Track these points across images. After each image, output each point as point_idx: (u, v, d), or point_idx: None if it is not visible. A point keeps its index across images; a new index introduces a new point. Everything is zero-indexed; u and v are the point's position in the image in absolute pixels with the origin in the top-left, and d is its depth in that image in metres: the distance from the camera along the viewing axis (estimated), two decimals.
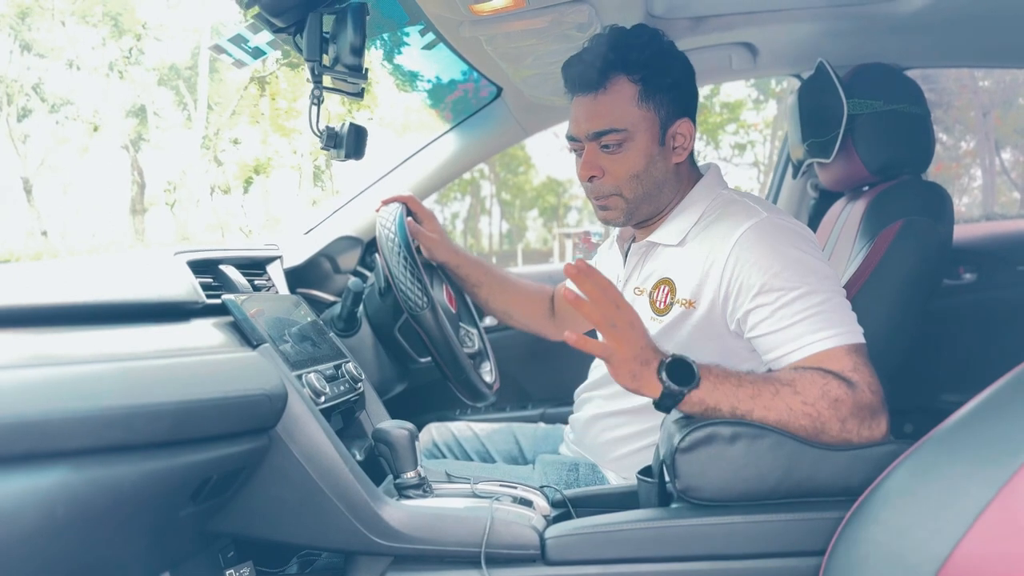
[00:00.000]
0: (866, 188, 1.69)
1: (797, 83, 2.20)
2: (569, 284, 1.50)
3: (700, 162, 1.42)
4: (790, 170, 2.42)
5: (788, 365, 1.12)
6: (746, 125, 18.74)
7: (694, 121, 1.34)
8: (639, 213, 1.35)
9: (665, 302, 1.30)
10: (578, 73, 1.30)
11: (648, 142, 1.29)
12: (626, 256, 1.44)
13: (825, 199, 2.20)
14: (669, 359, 1.05)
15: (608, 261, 1.55)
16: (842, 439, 1.06)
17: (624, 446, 1.41)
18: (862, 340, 1.13)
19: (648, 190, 1.32)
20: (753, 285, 1.16)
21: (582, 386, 1.56)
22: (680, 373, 1.05)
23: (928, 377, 1.99)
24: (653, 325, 1.30)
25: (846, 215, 1.70)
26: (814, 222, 2.09)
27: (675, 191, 1.35)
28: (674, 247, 1.32)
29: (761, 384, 1.07)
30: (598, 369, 1.52)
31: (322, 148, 1.41)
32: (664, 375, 1.04)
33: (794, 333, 1.12)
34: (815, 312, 1.12)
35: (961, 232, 1.76)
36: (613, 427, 1.42)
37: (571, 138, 1.35)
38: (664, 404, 1.06)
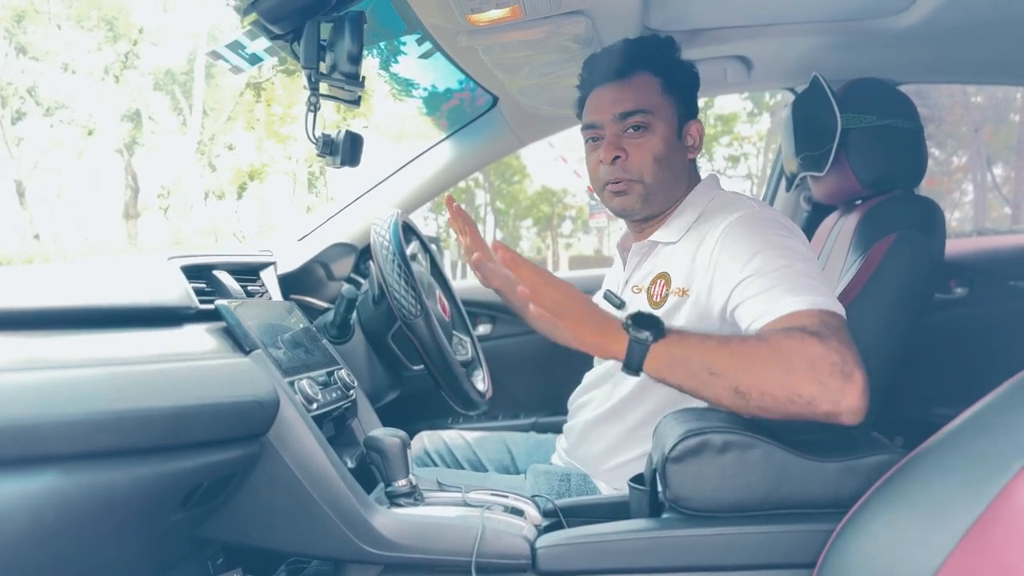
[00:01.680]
0: (859, 202, 1.69)
1: (791, 97, 2.21)
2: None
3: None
4: (783, 183, 2.43)
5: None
6: (740, 138, 18.82)
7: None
8: (654, 202, 1.38)
9: (661, 295, 1.32)
10: (605, 64, 1.39)
11: (668, 130, 1.36)
12: (626, 260, 1.47)
13: (818, 212, 2.21)
14: (634, 314, 1.06)
15: (609, 273, 1.59)
16: (816, 391, 0.98)
17: (617, 456, 1.40)
18: (836, 310, 1.09)
19: (667, 177, 1.36)
20: (737, 264, 1.17)
21: (576, 391, 1.56)
22: (644, 325, 1.05)
23: (919, 390, 2.00)
24: None
25: (839, 228, 1.71)
26: (807, 235, 2.09)
27: (683, 188, 1.40)
28: (672, 244, 1.35)
29: (727, 336, 1.07)
30: (593, 372, 1.52)
31: (318, 155, 1.41)
32: (630, 324, 1.04)
33: (768, 298, 1.11)
34: (791, 280, 1.11)
35: (953, 246, 1.77)
36: (607, 434, 1.41)
37: (591, 126, 1.39)
38: (631, 357, 1.04)
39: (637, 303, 1.37)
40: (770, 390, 1.00)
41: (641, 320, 1.05)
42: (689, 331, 1.07)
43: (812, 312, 1.07)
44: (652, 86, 1.36)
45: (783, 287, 1.11)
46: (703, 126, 1.42)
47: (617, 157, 1.35)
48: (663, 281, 1.33)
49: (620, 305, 1.42)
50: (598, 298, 1.50)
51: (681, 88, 1.39)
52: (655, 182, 1.36)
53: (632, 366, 1.05)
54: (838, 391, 0.98)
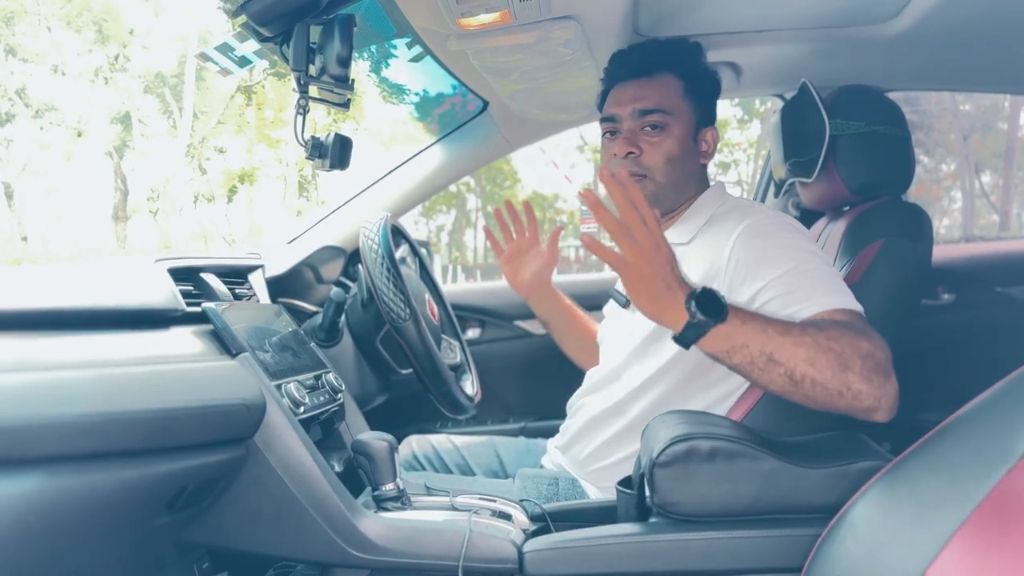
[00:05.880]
0: (847, 208, 1.70)
1: (780, 103, 2.22)
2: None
3: None
4: (772, 189, 2.44)
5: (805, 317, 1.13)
6: (731, 144, 18.88)
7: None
8: (662, 200, 1.40)
9: None
10: (631, 60, 1.43)
11: (684, 132, 1.39)
12: None
13: (806, 218, 2.21)
14: (700, 290, 1.03)
15: None
16: (866, 388, 1.02)
17: (610, 455, 1.40)
18: (864, 313, 1.15)
19: (677, 179, 1.39)
20: (764, 262, 1.19)
21: (577, 393, 1.56)
22: (708, 305, 1.03)
23: (906, 395, 2.00)
24: None
25: (827, 234, 1.71)
26: None
27: (693, 191, 1.43)
28: (683, 245, 1.36)
29: (788, 323, 1.06)
30: (597, 372, 1.52)
31: (307, 158, 1.40)
32: (693, 305, 1.02)
33: (809, 291, 1.14)
34: (825, 281, 1.15)
35: (941, 253, 1.78)
36: (606, 431, 1.41)
37: (610, 118, 1.42)
38: (685, 336, 1.04)
39: None
40: (824, 381, 1.02)
41: (706, 301, 1.03)
42: (749, 314, 1.05)
43: (853, 311, 1.12)
44: (674, 87, 1.39)
45: (822, 286, 1.14)
46: (718, 133, 1.46)
47: (631, 152, 1.37)
48: None
49: (626, 304, 1.46)
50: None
51: (702, 93, 1.42)
52: (666, 181, 1.38)
53: (684, 342, 1.05)
54: (881, 388, 1.03)
